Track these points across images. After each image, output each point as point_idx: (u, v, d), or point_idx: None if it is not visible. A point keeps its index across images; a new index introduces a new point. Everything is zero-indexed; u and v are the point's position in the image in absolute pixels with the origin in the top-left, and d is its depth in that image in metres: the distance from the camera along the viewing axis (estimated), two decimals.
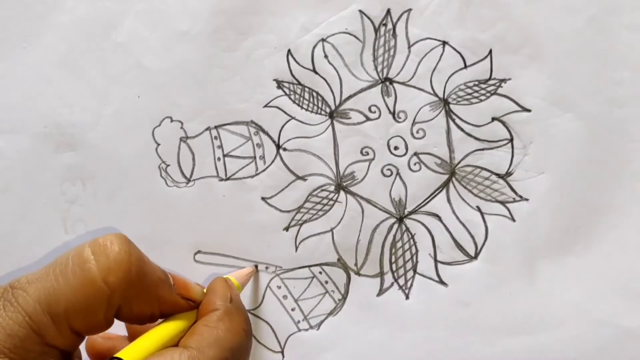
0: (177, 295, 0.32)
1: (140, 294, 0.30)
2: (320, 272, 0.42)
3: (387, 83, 0.41)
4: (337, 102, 0.42)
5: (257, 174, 0.42)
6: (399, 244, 0.42)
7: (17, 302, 0.28)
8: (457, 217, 0.41)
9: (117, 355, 0.29)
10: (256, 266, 0.42)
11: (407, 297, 0.42)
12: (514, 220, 0.41)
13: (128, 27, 0.43)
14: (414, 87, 0.41)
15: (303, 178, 0.42)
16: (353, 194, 0.42)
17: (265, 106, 0.42)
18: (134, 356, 0.29)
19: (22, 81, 0.43)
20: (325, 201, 0.42)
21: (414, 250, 0.42)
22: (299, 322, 0.42)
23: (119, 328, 0.34)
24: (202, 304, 0.34)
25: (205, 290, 0.35)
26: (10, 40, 0.43)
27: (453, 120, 0.41)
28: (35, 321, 0.28)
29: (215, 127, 0.43)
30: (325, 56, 0.42)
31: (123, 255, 0.29)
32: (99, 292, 0.28)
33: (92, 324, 0.29)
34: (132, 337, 0.37)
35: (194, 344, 0.30)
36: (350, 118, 0.42)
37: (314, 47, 0.41)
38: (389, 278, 0.42)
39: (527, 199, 0.41)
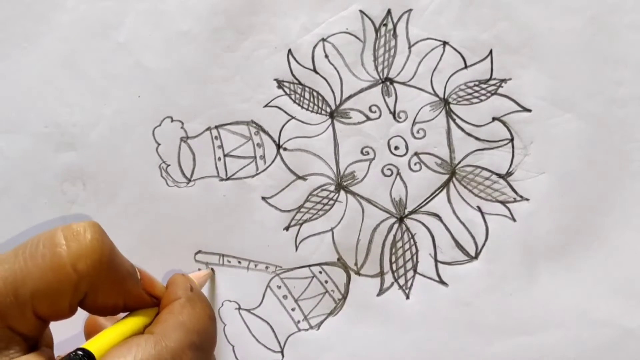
0: (143, 290, 0.32)
1: (108, 285, 0.29)
2: (320, 272, 0.42)
3: (388, 83, 0.41)
4: (338, 102, 0.42)
5: (257, 174, 0.42)
6: (399, 244, 0.42)
7: None
8: (458, 217, 0.41)
9: (83, 346, 0.28)
10: (212, 269, 0.43)
11: (407, 297, 0.42)
12: (514, 220, 0.41)
13: (128, 27, 0.43)
14: (415, 87, 0.41)
15: (303, 178, 0.42)
16: (353, 194, 0.42)
17: (266, 106, 0.42)
18: (99, 347, 0.28)
19: (22, 81, 0.43)
20: (325, 201, 0.42)
21: (414, 250, 0.42)
22: (299, 322, 0.42)
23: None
24: (164, 296, 0.33)
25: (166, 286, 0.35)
26: (10, 40, 0.43)
27: (453, 120, 0.41)
28: None
29: (216, 127, 0.42)
30: (326, 56, 0.41)
31: (95, 243, 0.28)
32: (67, 277, 0.28)
33: (57, 310, 0.28)
34: (88, 335, 0.36)
35: (158, 330, 0.30)
36: (350, 118, 0.42)
37: (315, 47, 0.41)
38: (389, 278, 0.42)
39: (527, 199, 0.41)
